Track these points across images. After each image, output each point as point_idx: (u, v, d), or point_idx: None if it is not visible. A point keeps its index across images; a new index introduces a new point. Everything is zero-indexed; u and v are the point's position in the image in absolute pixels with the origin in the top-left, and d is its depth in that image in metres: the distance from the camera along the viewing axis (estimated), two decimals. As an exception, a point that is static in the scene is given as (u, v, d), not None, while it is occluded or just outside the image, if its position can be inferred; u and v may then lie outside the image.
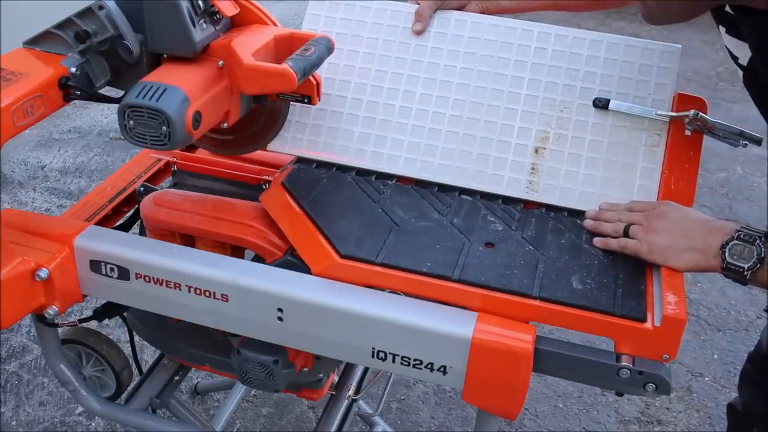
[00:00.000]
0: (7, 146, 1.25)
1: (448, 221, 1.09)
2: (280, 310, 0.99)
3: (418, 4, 1.25)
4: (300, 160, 1.23)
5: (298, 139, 1.24)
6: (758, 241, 0.93)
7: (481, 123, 1.19)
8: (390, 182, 1.19)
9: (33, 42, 1.03)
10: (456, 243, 1.04)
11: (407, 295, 0.99)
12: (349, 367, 1.43)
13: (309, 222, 1.08)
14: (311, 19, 1.29)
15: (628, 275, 1.00)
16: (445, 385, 2.01)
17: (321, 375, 1.28)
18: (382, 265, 1.00)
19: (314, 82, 1.10)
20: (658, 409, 2.05)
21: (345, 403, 1.38)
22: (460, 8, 1.26)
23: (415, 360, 0.96)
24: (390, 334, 0.96)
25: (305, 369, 1.18)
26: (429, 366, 0.96)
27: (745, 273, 0.93)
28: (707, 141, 1.15)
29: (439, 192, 1.17)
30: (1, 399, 1.98)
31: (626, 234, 1.03)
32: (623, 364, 0.92)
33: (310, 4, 1.29)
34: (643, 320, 0.93)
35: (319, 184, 1.16)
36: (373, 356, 0.98)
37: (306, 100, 1.12)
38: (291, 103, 1.19)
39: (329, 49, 1.12)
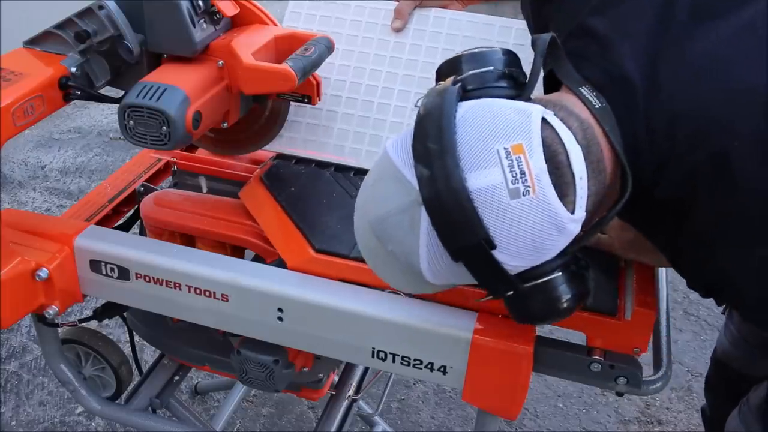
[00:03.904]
0: (7, 146, 1.25)
1: None
2: (280, 310, 0.99)
3: (398, 1, 1.25)
4: (280, 156, 1.24)
5: (278, 136, 1.24)
6: None
7: None
8: None
9: (33, 42, 1.03)
10: None
11: (379, 289, 0.99)
12: (349, 367, 1.43)
13: (285, 217, 1.08)
14: (292, 17, 1.28)
15: (600, 270, 1.00)
16: (445, 385, 2.01)
17: (321, 375, 1.28)
18: (355, 259, 1.00)
19: (314, 82, 1.11)
20: (658, 409, 2.05)
21: (345, 403, 1.38)
22: (443, 8, 1.26)
23: (415, 360, 0.96)
24: (390, 334, 0.96)
25: (305, 369, 1.18)
26: (429, 366, 0.96)
27: None
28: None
29: None
30: (1, 399, 1.98)
31: None
32: (594, 357, 0.93)
33: (290, 3, 1.29)
34: (614, 314, 0.94)
35: (297, 179, 1.17)
36: (373, 356, 0.98)
37: (306, 100, 1.12)
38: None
39: (329, 48, 1.12)
